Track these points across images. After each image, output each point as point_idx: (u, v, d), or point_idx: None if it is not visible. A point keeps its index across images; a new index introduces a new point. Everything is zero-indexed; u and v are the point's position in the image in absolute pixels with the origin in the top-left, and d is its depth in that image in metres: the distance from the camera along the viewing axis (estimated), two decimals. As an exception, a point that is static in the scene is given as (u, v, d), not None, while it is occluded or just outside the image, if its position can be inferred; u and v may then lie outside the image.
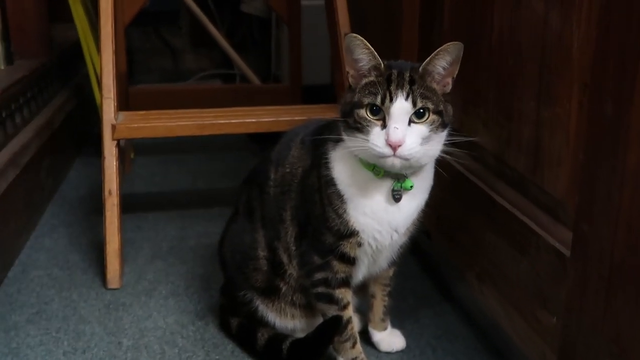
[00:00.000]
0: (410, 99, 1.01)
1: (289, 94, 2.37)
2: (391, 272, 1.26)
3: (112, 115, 1.53)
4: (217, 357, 1.24)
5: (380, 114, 1.02)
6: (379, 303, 1.27)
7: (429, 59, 1.04)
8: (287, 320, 1.23)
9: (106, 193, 1.50)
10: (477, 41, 1.35)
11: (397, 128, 1.00)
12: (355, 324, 1.22)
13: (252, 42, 3.29)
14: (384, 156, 1.02)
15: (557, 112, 1.08)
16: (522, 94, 1.20)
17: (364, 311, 1.30)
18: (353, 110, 1.04)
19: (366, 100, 1.02)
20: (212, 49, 3.30)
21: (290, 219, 1.18)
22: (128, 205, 1.89)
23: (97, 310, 1.40)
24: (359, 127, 1.03)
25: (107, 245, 1.49)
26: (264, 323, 1.24)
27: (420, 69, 1.04)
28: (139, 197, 2.05)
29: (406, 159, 1.02)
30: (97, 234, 1.71)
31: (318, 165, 1.13)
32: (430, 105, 1.03)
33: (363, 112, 1.03)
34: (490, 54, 1.31)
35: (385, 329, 1.29)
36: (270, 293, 1.22)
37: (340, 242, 1.12)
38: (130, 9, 2.09)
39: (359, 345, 1.18)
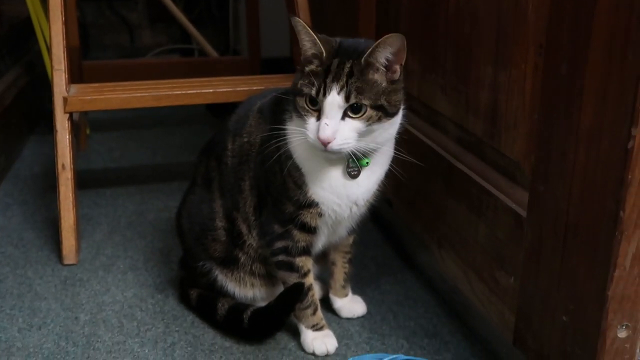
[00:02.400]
0: (343, 93, 0.99)
1: (248, 67, 2.34)
2: (351, 240, 1.26)
3: (64, 87, 1.49)
4: (176, 328, 1.23)
5: (317, 105, 1.01)
6: (340, 270, 1.27)
7: (369, 50, 1.00)
8: (246, 290, 1.22)
9: (59, 167, 1.47)
10: (434, 8, 1.34)
11: (327, 124, 0.99)
12: (316, 292, 1.22)
13: (210, 16, 3.23)
14: (316, 148, 1.01)
15: (513, 75, 1.08)
16: (478, 59, 1.20)
17: (325, 279, 1.30)
18: (296, 97, 1.03)
19: (305, 90, 1.01)
20: (169, 24, 3.23)
21: (249, 189, 1.16)
22: (85, 181, 1.86)
23: (53, 286, 1.37)
24: (300, 114, 1.03)
25: (62, 221, 1.45)
26: (223, 293, 1.23)
27: (362, 60, 1.00)
28: (96, 173, 2.00)
29: (339, 153, 1.01)
30: (52, 211, 1.67)
31: (277, 135, 1.11)
32: (365, 101, 1.00)
33: (302, 102, 1.02)
34: (447, 21, 1.30)
35: (346, 295, 1.29)
36: (229, 263, 1.21)
37: (300, 212, 1.11)
38: (81, -20, 2.02)
39: (319, 312, 1.18)
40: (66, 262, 1.45)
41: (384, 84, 1.02)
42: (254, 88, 1.59)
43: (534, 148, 1.02)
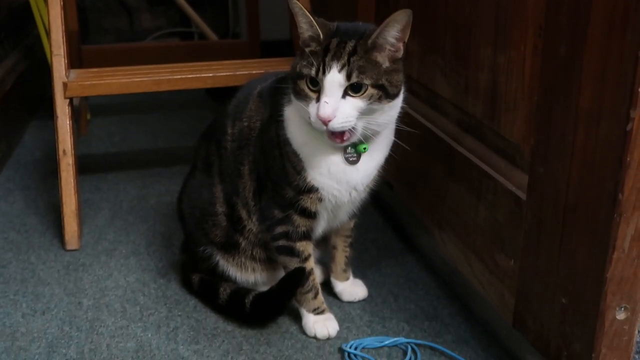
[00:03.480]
0: (344, 72, 0.98)
1: (248, 50, 2.33)
2: (352, 224, 1.26)
3: (63, 72, 1.49)
4: (179, 313, 1.24)
5: (318, 86, 1.00)
6: (341, 254, 1.27)
7: (378, 31, 0.99)
8: (248, 274, 1.23)
9: (60, 153, 1.47)
10: (433, -12, 1.33)
11: (327, 102, 0.98)
12: (317, 276, 1.23)
13: (210, -1, 3.22)
14: (318, 129, 1.01)
15: (513, 57, 1.08)
16: (478, 41, 1.19)
17: (326, 262, 1.30)
18: (296, 81, 1.02)
19: (305, 71, 1.00)
20: (168, 7, 3.22)
21: (248, 174, 1.16)
22: (86, 166, 1.87)
23: (56, 271, 1.38)
24: (301, 96, 1.02)
25: (64, 206, 1.46)
26: (225, 278, 1.23)
27: (370, 41, 0.99)
28: (97, 158, 2.01)
29: (339, 132, 1.01)
30: (54, 196, 1.67)
31: (276, 119, 1.11)
32: (367, 81, 0.99)
33: (303, 84, 1.01)
34: (446, 2, 1.30)
35: (347, 279, 1.29)
36: (230, 248, 1.21)
37: (300, 197, 1.11)
38: (79, -36, 2.01)
39: (320, 296, 1.19)
40: (69, 247, 1.46)
41: (386, 64, 1.02)
42: (254, 72, 1.59)
43: (534, 130, 1.02)
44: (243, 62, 1.70)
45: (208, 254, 1.23)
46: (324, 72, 0.98)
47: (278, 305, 1.19)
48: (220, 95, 2.41)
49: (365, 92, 0.99)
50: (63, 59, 1.49)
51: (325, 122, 0.98)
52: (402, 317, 1.23)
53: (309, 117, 1.01)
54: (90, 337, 1.17)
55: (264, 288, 1.22)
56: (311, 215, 1.13)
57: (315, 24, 1.01)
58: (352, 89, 0.99)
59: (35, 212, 1.64)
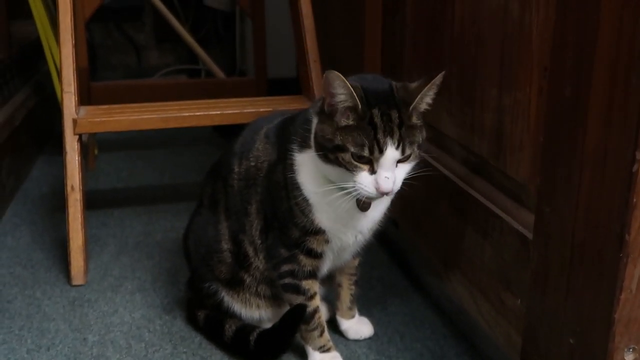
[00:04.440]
0: (400, 148, 0.98)
1: (255, 88, 2.36)
2: (356, 262, 1.26)
3: (73, 109, 1.51)
4: (184, 350, 1.23)
5: (367, 159, 0.99)
6: (346, 292, 1.27)
7: (420, 96, 0.99)
8: (253, 311, 1.23)
9: (69, 189, 1.48)
10: (439, 31, 1.36)
11: (388, 178, 0.98)
12: (323, 313, 1.22)
13: (217, 36, 3.27)
14: (369, 196, 1.01)
15: (518, 98, 1.10)
16: (484, 81, 1.21)
17: (331, 300, 1.30)
18: (335, 152, 0.99)
19: (352, 149, 0.97)
20: (176, 45, 3.27)
21: (255, 213, 1.17)
22: (93, 201, 1.88)
23: (62, 307, 1.38)
24: (344, 167, 1.00)
25: (71, 242, 1.47)
26: (230, 314, 1.23)
27: (411, 107, 1.00)
28: (103, 193, 2.02)
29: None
30: (61, 231, 1.68)
31: (284, 162, 1.12)
32: (416, 148, 1.01)
33: (348, 157, 0.98)
34: (452, 44, 1.32)
35: (352, 317, 1.29)
36: (235, 284, 1.22)
37: (307, 238, 1.12)
38: (90, 3, 2.05)
39: (326, 334, 1.18)
40: (74, 282, 1.46)
41: (419, 122, 1.03)
42: (261, 110, 1.61)
43: (540, 170, 1.03)
44: (251, 100, 1.73)
45: (213, 290, 1.24)
46: (380, 152, 0.97)
47: (281, 343, 1.18)
48: (227, 131, 2.44)
49: (412, 156, 1.01)
50: (73, 96, 1.52)
51: (386, 194, 1.00)
52: (409, 356, 1.22)
53: (360, 187, 0.99)
54: (95, 374, 1.17)
55: (269, 324, 1.22)
56: (317, 256, 1.14)
57: (354, 94, 0.97)
58: (403, 157, 1.01)
59: (41, 247, 1.64)
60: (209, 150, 2.35)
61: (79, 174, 1.49)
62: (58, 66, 1.95)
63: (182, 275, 1.46)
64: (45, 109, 2.43)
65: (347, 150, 0.98)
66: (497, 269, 1.16)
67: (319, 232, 1.10)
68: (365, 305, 1.35)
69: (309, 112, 1.09)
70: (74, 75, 1.52)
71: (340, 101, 0.98)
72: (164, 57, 3.36)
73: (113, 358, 1.21)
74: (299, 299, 1.15)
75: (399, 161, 1.00)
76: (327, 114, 1.01)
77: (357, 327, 1.29)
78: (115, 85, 2.55)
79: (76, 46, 1.55)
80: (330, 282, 1.28)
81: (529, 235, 1.06)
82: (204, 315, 1.27)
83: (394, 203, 1.22)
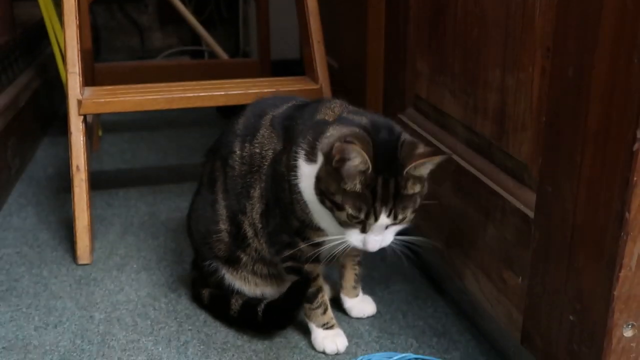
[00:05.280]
0: (392, 215, 1.01)
1: (258, 69, 2.36)
2: None
3: (78, 90, 1.52)
4: (189, 327, 1.25)
5: (361, 221, 1.02)
6: (350, 272, 1.29)
7: (413, 165, 1.00)
8: (252, 288, 1.25)
9: (74, 169, 1.49)
10: (442, 12, 1.36)
11: (377, 240, 1.03)
12: (327, 292, 1.24)
13: (220, 18, 3.27)
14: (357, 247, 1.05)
15: (521, 78, 1.10)
16: (487, 62, 1.21)
17: (335, 279, 1.32)
18: (333, 207, 1.02)
19: (349, 210, 1.00)
20: (179, 26, 3.27)
21: (258, 197, 1.18)
22: (97, 182, 1.89)
23: (68, 285, 1.39)
24: (337, 220, 1.04)
25: (77, 221, 1.48)
26: (232, 291, 1.25)
27: (405, 172, 1.00)
28: (108, 174, 2.03)
29: None
30: (67, 212, 1.70)
31: (287, 159, 1.11)
32: (408, 214, 1.03)
33: (344, 216, 1.01)
34: (455, 24, 1.32)
35: (356, 295, 1.30)
36: (233, 262, 1.23)
37: (307, 230, 1.13)
38: (94, -16, 2.05)
39: (330, 312, 1.20)
40: (80, 262, 1.48)
41: (418, 189, 1.04)
42: (265, 90, 1.62)
43: (542, 150, 1.03)
44: (254, 81, 1.73)
45: (214, 268, 1.25)
46: (375, 219, 1.00)
47: (288, 313, 1.20)
48: (231, 113, 2.44)
49: (404, 221, 1.04)
50: (78, 77, 1.52)
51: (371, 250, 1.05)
52: (411, 333, 1.24)
53: (349, 239, 1.04)
54: (102, 351, 1.18)
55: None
56: (318, 244, 1.15)
57: (368, 161, 0.97)
58: (394, 223, 1.03)
59: (47, 228, 1.66)
60: (212, 132, 2.34)
61: (84, 155, 1.50)
62: (62, 48, 1.96)
63: (186, 255, 1.47)
64: (49, 91, 2.44)
65: (345, 210, 1.00)
66: (498, 248, 1.17)
67: (318, 228, 1.12)
68: (368, 284, 1.36)
69: (320, 125, 1.08)
70: (78, 57, 1.52)
71: (355, 165, 0.98)
72: (168, 39, 3.36)
73: (119, 335, 1.23)
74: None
75: (391, 224, 1.03)
76: (333, 167, 1.00)
77: (361, 305, 1.30)
78: (119, 67, 2.55)
79: (80, 28, 1.55)
80: (334, 262, 1.29)
81: (531, 215, 1.07)
82: (208, 293, 1.29)
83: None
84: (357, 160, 0.97)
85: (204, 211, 1.26)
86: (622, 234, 0.85)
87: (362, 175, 0.98)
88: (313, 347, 1.19)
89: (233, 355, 1.17)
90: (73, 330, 1.24)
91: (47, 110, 2.44)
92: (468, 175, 1.27)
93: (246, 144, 1.20)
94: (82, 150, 1.50)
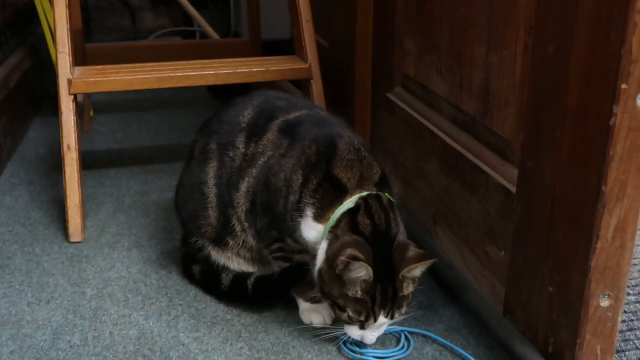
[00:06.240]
0: (389, 315, 1.07)
1: (249, 49, 2.37)
2: None
3: (68, 69, 1.53)
4: (180, 302, 1.28)
5: (360, 321, 1.07)
6: None
7: (407, 270, 1.04)
8: (236, 266, 1.27)
9: (65, 148, 1.51)
10: (429, -11, 1.37)
11: (374, 335, 1.09)
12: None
13: (211, -2, 3.25)
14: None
15: (505, 55, 1.12)
16: (472, 40, 1.23)
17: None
18: (334, 305, 1.07)
19: (350, 313, 1.06)
20: (171, 7, 3.26)
21: (244, 192, 1.19)
22: (89, 162, 1.90)
23: (60, 262, 1.41)
24: (337, 316, 1.09)
25: (68, 200, 1.50)
26: (221, 267, 1.27)
27: (400, 276, 1.05)
28: (100, 154, 2.04)
29: None
30: (58, 191, 1.71)
31: (292, 191, 1.12)
32: (403, 310, 1.08)
33: (345, 316, 1.07)
34: (442, 3, 1.33)
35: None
36: (220, 243, 1.26)
37: (295, 235, 1.15)
38: (83, -36, 2.05)
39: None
40: (72, 239, 1.50)
41: (411, 288, 1.08)
42: (254, 69, 1.63)
43: (524, 126, 1.05)
44: (244, 60, 1.74)
45: (200, 245, 1.28)
46: (374, 321, 1.07)
47: (277, 291, 1.22)
48: (222, 93, 2.46)
49: (400, 315, 1.09)
50: (68, 57, 1.53)
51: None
52: (397, 307, 1.26)
53: (347, 331, 1.10)
54: (94, 325, 1.21)
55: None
56: (305, 243, 1.16)
57: (371, 272, 1.02)
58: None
59: (39, 206, 1.67)
60: (203, 112, 2.35)
61: (74, 134, 1.51)
62: (52, 28, 1.96)
63: (177, 232, 1.49)
64: (39, 71, 2.44)
65: (346, 312, 1.07)
66: (482, 223, 1.20)
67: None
68: (355, 260, 1.38)
69: (335, 189, 1.09)
70: (68, 36, 1.53)
71: (358, 276, 1.03)
72: (159, 19, 3.35)
73: (111, 310, 1.25)
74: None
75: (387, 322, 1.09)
76: (336, 274, 1.04)
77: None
78: (110, 47, 2.55)
79: (70, 7, 1.56)
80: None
81: (513, 190, 1.09)
82: (199, 269, 1.31)
83: (385, 161, 1.24)
84: (362, 272, 1.02)
85: (193, 191, 1.27)
86: (599, 206, 0.88)
87: (363, 283, 1.04)
88: (301, 320, 1.21)
89: (222, 328, 1.20)
90: (65, 305, 1.26)
91: (38, 91, 2.44)
92: (453, 152, 1.29)
93: (252, 144, 1.20)
94: (73, 129, 1.51)
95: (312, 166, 1.11)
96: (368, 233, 1.06)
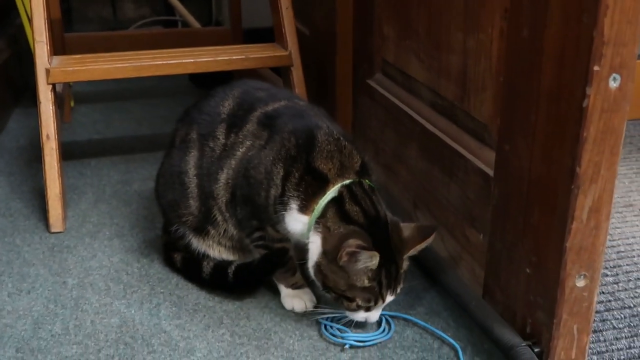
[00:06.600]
0: (394, 293, 1.10)
1: (230, 38, 2.36)
2: None
3: (46, 59, 1.51)
4: (161, 290, 1.28)
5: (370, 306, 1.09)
6: None
7: (414, 250, 1.08)
8: (217, 254, 1.28)
9: (44, 137, 1.50)
10: (407, -25, 1.37)
11: (378, 312, 1.11)
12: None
13: (193, -13, 3.23)
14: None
15: (481, 40, 1.12)
16: (449, 25, 1.23)
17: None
18: (341, 298, 1.08)
19: (359, 302, 1.08)
20: (152, -4, 3.23)
21: (224, 183, 1.19)
22: (70, 152, 1.89)
23: (41, 253, 1.41)
24: (345, 307, 1.10)
25: (48, 190, 1.49)
26: (201, 255, 1.28)
27: (405, 257, 1.08)
28: (81, 144, 2.03)
29: None
30: (39, 181, 1.70)
31: (273, 181, 1.12)
32: (403, 284, 1.11)
33: (354, 305, 1.09)
34: (420, -13, 1.34)
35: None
36: (201, 232, 1.26)
37: (277, 225, 1.16)
38: (61, -48, 2.03)
39: (298, 273, 1.23)
40: (53, 230, 1.49)
41: (408, 262, 1.11)
42: (234, 57, 1.63)
43: (500, 110, 1.06)
44: (224, 48, 1.73)
45: (181, 233, 1.28)
46: (383, 302, 1.09)
47: (258, 278, 1.23)
48: (204, 82, 2.45)
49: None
50: (45, 46, 1.52)
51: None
52: (378, 292, 1.27)
53: (350, 315, 1.11)
54: (75, 314, 1.21)
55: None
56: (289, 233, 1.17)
57: (378, 257, 1.03)
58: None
59: (20, 197, 1.66)
60: (185, 102, 2.33)
61: (54, 123, 1.50)
62: (30, 17, 1.94)
63: (159, 221, 1.48)
64: (19, 63, 2.42)
65: (355, 301, 1.08)
66: (462, 207, 1.21)
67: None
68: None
69: (317, 180, 1.10)
70: (45, 25, 1.52)
71: (365, 266, 1.04)
72: (140, 9, 3.32)
73: (92, 299, 1.25)
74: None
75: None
76: (339, 266, 1.05)
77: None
78: (90, 37, 2.53)
79: (47, -5, 1.54)
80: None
81: (491, 173, 1.10)
82: (180, 257, 1.31)
83: (365, 147, 1.24)
84: (370, 261, 1.03)
85: (173, 180, 1.27)
86: (574, 188, 0.89)
87: (370, 271, 1.05)
88: (282, 306, 1.22)
89: (204, 315, 1.20)
90: (46, 295, 1.26)
91: (18, 82, 2.42)
92: (433, 137, 1.30)
93: (232, 135, 1.20)
94: (52, 119, 1.50)
95: (293, 159, 1.11)
96: (362, 220, 1.07)
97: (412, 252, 1.07)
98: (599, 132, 0.86)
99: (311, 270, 1.10)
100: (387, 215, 1.10)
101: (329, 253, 1.06)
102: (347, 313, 1.11)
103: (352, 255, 1.02)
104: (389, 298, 1.09)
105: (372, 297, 1.07)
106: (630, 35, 0.82)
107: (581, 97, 0.85)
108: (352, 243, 1.02)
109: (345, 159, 1.12)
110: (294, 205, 1.10)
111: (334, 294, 1.09)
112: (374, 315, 1.11)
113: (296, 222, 1.11)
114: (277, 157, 1.12)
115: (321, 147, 1.11)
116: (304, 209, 1.09)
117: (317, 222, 1.08)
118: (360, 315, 1.10)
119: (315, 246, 1.09)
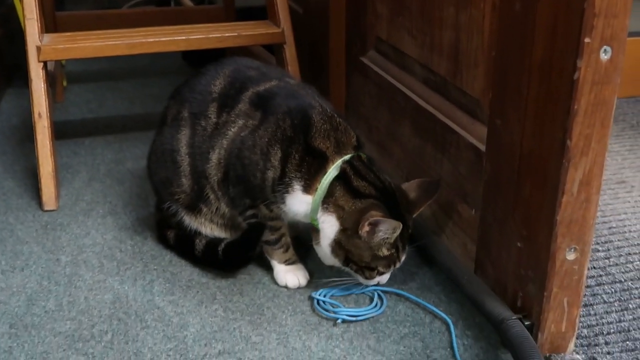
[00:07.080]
0: (405, 253, 1.14)
1: (223, 16, 2.34)
2: None
3: (37, 36, 1.50)
4: (155, 267, 1.28)
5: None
6: None
7: (421, 209, 1.14)
8: (209, 231, 1.28)
9: (36, 116, 1.49)
10: (400, -50, 1.36)
11: (388, 275, 1.16)
12: (288, 233, 1.26)
13: (185, -34, 3.20)
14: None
15: (473, 14, 1.12)
16: (442, 0, 1.22)
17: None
18: (362, 269, 1.12)
19: (380, 269, 1.12)
20: (144, -25, 3.20)
21: (215, 163, 1.19)
22: (63, 132, 1.89)
23: (35, 231, 1.41)
24: (359, 273, 1.13)
25: (41, 168, 1.48)
26: (194, 232, 1.28)
27: (414, 216, 1.14)
28: (73, 123, 2.02)
29: None
30: (32, 161, 1.69)
31: (271, 164, 1.12)
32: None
33: (374, 274, 1.13)
34: (413, -37, 1.33)
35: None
36: (193, 210, 1.26)
37: (270, 204, 1.16)
38: None
39: (291, 250, 1.23)
40: (46, 208, 1.49)
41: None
42: (226, 34, 1.62)
43: (492, 84, 1.06)
44: (216, 26, 1.72)
45: (173, 210, 1.28)
46: (399, 264, 1.14)
47: (245, 254, 1.23)
48: (197, 61, 2.43)
49: None
50: (36, 23, 1.51)
51: None
52: (371, 268, 1.28)
53: (365, 282, 1.15)
54: (69, 291, 1.21)
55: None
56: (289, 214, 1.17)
57: (400, 225, 1.06)
58: None
59: (12, 176, 1.66)
60: (178, 80, 2.32)
61: (45, 101, 1.49)
62: (21, -5, 1.92)
63: (152, 199, 1.49)
64: (11, 42, 2.40)
65: (376, 269, 1.12)
66: (454, 183, 1.21)
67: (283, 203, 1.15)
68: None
69: (318, 159, 1.11)
70: (36, 2, 1.50)
71: (386, 237, 1.08)
72: (132, -12, 3.29)
73: (86, 276, 1.25)
74: (265, 234, 1.20)
75: None
76: (362, 239, 1.08)
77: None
78: (83, 16, 2.50)
79: (38, -28, 1.53)
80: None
81: (483, 148, 1.10)
82: (174, 234, 1.31)
83: (358, 124, 1.24)
84: (392, 230, 1.07)
85: (165, 158, 1.27)
86: (564, 161, 0.89)
87: (388, 240, 1.09)
88: (276, 282, 1.23)
89: (197, 291, 1.21)
90: (40, 272, 1.26)
91: (10, 62, 2.40)
92: (425, 114, 1.30)
93: (223, 114, 1.20)
94: (44, 97, 1.50)
95: (290, 140, 1.11)
96: (374, 193, 1.09)
97: (422, 209, 1.14)
98: (590, 104, 0.86)
99: (327, 249, 1.12)
100: (391, 182, 1.13)
101: (350, 229, 1.08)
102: (363, 281, 1.15)
103: (375, 226, 1.05)
104: (403, 258, 1.14)
105: (392, 263, 1.12)
106: (621, 7, 0.82)
107: (572, 70, 0.85)
108: (375, 214, 1.06)
109: (342, 135, 1.13)
110: (297, 186, 1.11)
111: (356, 267, 1.12)
112: (386, 276, 1.15)
113: (300, 202, 1.12)
114: (273, 139, 1.12)
115: (317, 126, 1.12)
116: (308, 188, 1.11)
117: (325, 202, 1.09)
118: (374, 280, 1.14)
119: (328, 225, 1.10)
